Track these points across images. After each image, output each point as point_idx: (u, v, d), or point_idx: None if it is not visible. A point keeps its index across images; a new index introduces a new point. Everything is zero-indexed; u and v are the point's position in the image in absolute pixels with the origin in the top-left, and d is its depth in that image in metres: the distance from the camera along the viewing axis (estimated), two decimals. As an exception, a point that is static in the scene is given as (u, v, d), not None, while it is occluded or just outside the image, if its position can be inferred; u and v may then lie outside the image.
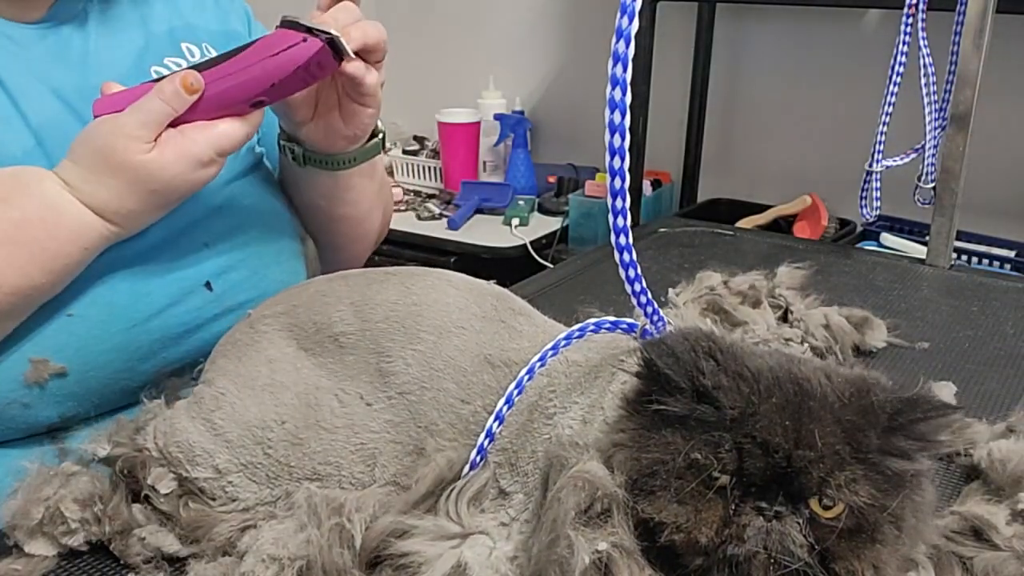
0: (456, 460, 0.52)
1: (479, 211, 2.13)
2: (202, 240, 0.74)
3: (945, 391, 0.71)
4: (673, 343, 0.45)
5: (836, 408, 0.43)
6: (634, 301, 0.52)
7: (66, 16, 0.73)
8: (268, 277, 0.79)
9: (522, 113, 2.30)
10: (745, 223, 1.88)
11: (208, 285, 0.73)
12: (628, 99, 0.46)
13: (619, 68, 0.45)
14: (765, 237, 1.28)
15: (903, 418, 0.44)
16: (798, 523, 0.43)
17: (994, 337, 0.86)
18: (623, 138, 0.46)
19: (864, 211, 1.13)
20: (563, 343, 0.53)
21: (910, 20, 1.03)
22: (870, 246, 1.66)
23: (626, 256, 0.49)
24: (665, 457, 0.44)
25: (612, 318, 0.55)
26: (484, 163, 2.32)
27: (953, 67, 1.01)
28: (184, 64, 0.79)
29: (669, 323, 0.54)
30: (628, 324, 0.55)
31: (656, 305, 0.53)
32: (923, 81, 1.04)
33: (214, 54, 0.81)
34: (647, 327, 0.53)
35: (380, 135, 0.83)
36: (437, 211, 2.14)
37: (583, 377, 0.53)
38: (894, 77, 1.05)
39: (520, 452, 0.52)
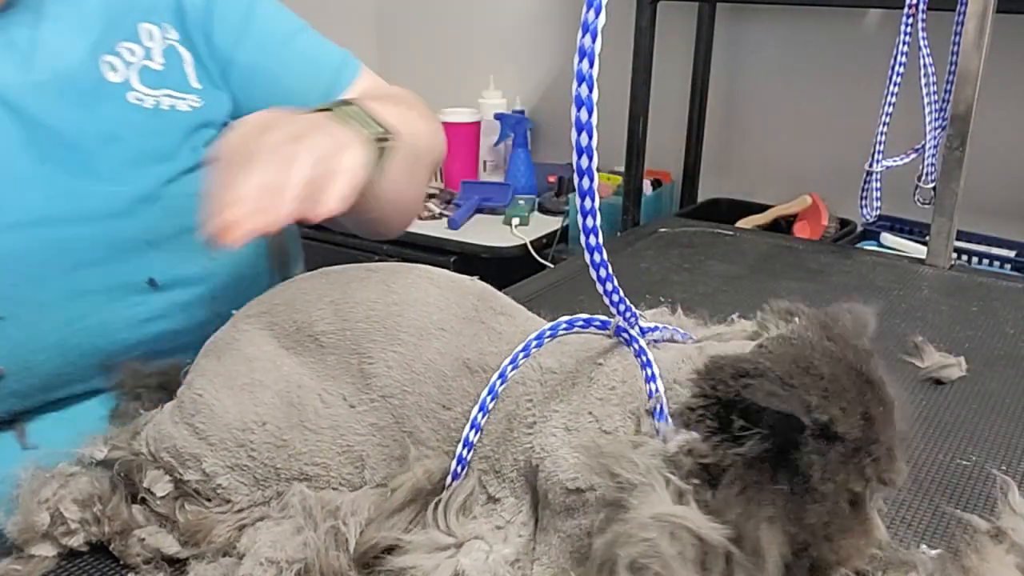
0: (434, 470, 0.51)
1: (479, 211, 2.13)
2: (144, 238, 0.73)
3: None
4: (757, 386, 0.42)
5: (872, 369, 0.46)
6: (607, 301, 0.50)
7: (22, 4, 0.72)
8: (221, 272, 0.77)
9: (522, 113, 2.30)
10: (745, 223, 1.88)
11: (152, 282, 0.73)
12: (595, 96, 0.43)
13: (585, 64, 0.43)
14: (765, 237, 1.27)
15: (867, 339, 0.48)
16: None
17: (994, 337, 0.86)
18: (590, 136, 0.44)
19: (864, 211, 1.13)
20: (534, 344, 0.52)
21: (910, 20, 1.03)
22: (870, 246, 1.66)
23: (596, 256, 0.47)
24: (830, 507, 0.43)
25: (585, 316, 0.53)
26: (484, 163, 2.32)
27: (953, 67, 1.01)
28: (138, 52, 0.77)
29: (642, 317, 0.52)
30: (601, 321, 0.53)
31: (628, 302, 0.51)
32: (923, 81, 1.04)
33: (175, 37, 0.80)
34: (619, 323, 0.52)
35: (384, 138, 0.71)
36: (437, 211, 2.14)
37: (559, 385, 0.51)
38: (894, 77, 1.05)
39: (502, 460, 0.51)
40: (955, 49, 1.00)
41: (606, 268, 0.48)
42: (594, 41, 0.43)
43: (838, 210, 1.87)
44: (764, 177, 2.07)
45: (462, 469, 0.51)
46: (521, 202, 2.12)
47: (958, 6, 0.99)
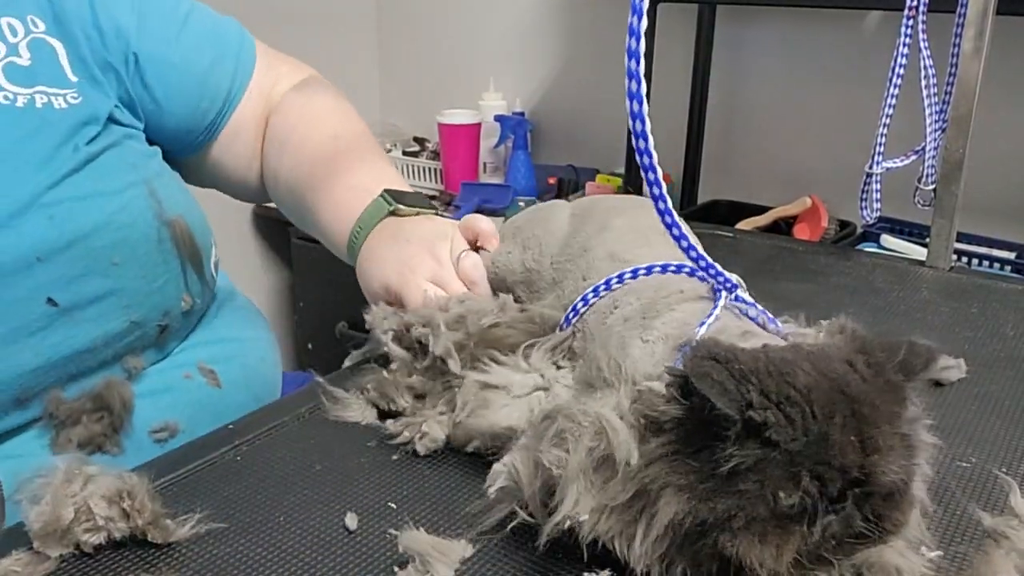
0: (548, 317, 0.67)
1: (479, 212, 2.12)
2: (31, 254, 0.68)
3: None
4: (709, 369, 0.45)
5: (876, 401, 0.45)
6: (703, 272, 0.59)
7: None
8: (128, 278, 0.73)
9: (522, 114, 2.30)
10: (745, 224, 1.88)
11: (51, 302, 0.68)
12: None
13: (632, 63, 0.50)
14: (765, 238, 1.27)
15: (909, 380, 0.47)
16: (860, 507, 0.45)
17: (994, 339, 0.86)
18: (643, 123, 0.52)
19: (864, 213, 1.12)
20: (658, 269, 0.64)
21: (910, 22, 1.03)
22: (870, 248, 1.66)
23: (675, 231, 0.57)
24: (743, 504, 0.44)
25: (707, 265, 0.60)
26: (484, 164, 2.32)
27: (953, 69, 1.01)
28: (2, 49, 0.71)
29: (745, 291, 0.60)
30: (714, 276, 0.60)
31: (722, 271, 0.59)
32: (923, 83, 1.04)
33: (42, 28, 0.74)
34: (715, 286, 0.59)
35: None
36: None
37: (651, 301, 0.61)
38: (894, 79, 1.05)
39: (591, 329, 0.63)
40: (955, 51, 1.00)
41: (686, 239, 0.57)
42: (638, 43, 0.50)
43: (838, 212, 1.87)
44: (764, 179, 2.07)
45: (566, 325, 0.65)
46: (521, 204, 2.12)
47: (958, 8, 0.99)
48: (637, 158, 0.52)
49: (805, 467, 0.43)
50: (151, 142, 0.85)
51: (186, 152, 0.90)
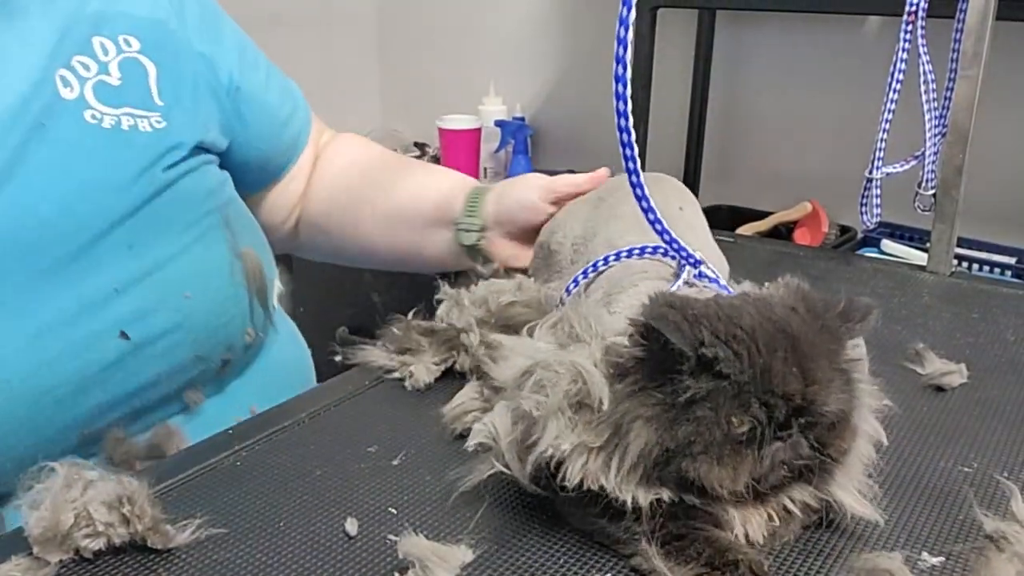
0: (551, 298, 0.73)
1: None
2: (110, 286, 0.67)
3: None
4: (666, 312, 0.50)
5: (814, 340, 0.51)
6: (669, 247, 0.66)
7: None
8: (198, 312, 0.72)
9: (523, 119, 2.30)
10: (745, 230, 1.88)
11: (123, 335, 0.67)
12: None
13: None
14: (766, 244, 1.27)
15: (846, 326, 0.53)
16: (806, 435, 0.51)
17: (995, 344, 0.86)
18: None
19: (864, 218, 1.12)
20: (636, 252, 0.70)
21: (910, 27, 1.03)
22: (870, 253, 1.66)
23: (651, 216, 0.65)
24: (700, 430, 0.49)
25: (678, 248, 0.67)
26: (485, 169, 2.32)
27: (953, 74, 1.01)
28: (92, 67, 0.71)
29: (692, 251, 0.66)
30: (682, 257, 0.67)
31: (685, 247, 0.66)
32: (923, 88, 1.04)
33: (136, 48, 0.73)
34: (682, 262, 0.66)
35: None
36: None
37: (625, 276, 0.68)
38: (894, 84, 1.05)
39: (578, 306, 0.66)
40: (954, 56, 1.00)
41: (653, 212, 0.64)
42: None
43: (838, 217, 1.87)
44: (764, 184, 2.07)
45: (560, 303, 0.72)
46: (521, 208, 2.12)
47: (957, 13, 0.99)
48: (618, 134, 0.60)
49: (753, 395, 0.49)
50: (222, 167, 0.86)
51: (252, 187, 0.93)
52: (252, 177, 0.92)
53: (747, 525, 0.52)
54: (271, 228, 0.99)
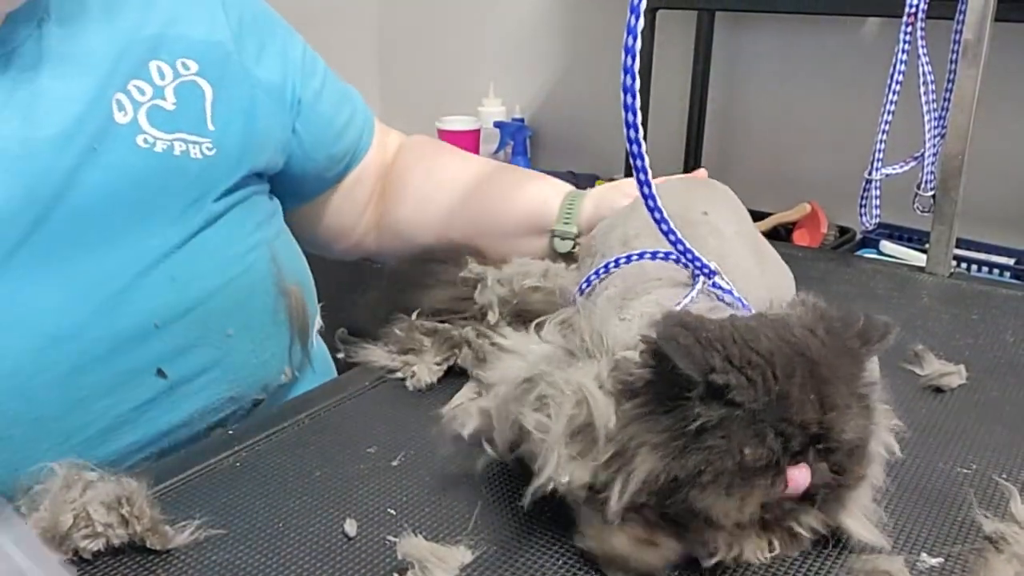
0: (565, 288, 0.73)
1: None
2: (150, 320, 0.65)
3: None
4: (676, 333, 0.48)
5: (834, 364, 0.49)
6: (682, 258, 0.63)
7: (13, 42, 0.63)
8: (238, 351, 0.70)
9: (522, 121, 2.30)
10: (745, 230, 1.88)
11: (160, 372, 0.65)
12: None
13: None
14: (765, 245, 1.27)
15: (866, 348, 0.51)
16: (820, 462, 0.48)
17: (994, 345, 0.86)
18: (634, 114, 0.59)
19: (864, 219, 1.13)
20: (648, 255, 0.67)
21: (909, 29, 1.03)
22: (870, 254, 1.66)
23: (664, 226, 0.61)
24: (711, 459, 0.46)
25: (693, 256, 0.64)
26: (484, 170, 2.32)
27: (952, 75, 1.01)
28: (148, 92, 0.69)
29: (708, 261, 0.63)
30: (696, 266, 0.64)
31: (701, 258, 0.63)
32: (922, 89, 1.04)
33: (192, 71, 0.71)
34: (695, 272, 0.63)
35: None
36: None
37: (638, 282, 0.65)
38: (893, 85, 1.05)
39: (581, 306, 0.65)
40: (954, 57, 1.00)
41: (674, 235, 0.61)
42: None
43: (837, 218, 1.87)
44: (763, 185, 2.07)
45: (574, 300, 0.69)
46: (521, 210, 2.12)
47: (957, 15, 0.99)
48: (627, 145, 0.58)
49: (768, 424, 0.46)
50: (273, 192, 0.84)
51: (310, 195, 0.91)
52: (310, 187, 0.91)
53: (743, 549, 0.51)
54: (340, 234, 0.96)
